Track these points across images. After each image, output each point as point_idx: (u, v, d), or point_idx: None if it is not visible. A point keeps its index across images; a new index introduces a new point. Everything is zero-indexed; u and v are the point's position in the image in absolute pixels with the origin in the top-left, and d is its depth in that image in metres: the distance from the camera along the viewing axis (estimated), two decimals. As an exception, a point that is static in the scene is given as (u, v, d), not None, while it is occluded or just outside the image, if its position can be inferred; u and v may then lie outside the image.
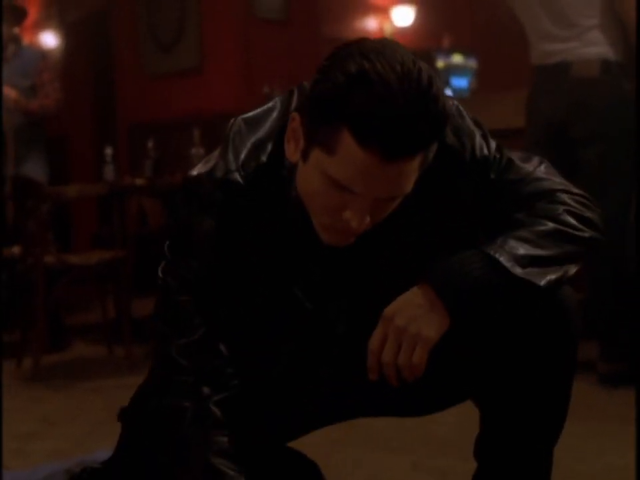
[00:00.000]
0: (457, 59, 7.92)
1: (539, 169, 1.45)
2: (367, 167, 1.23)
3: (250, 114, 1.45)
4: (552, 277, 1.36)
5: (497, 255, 1.33)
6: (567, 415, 1.48)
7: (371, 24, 8.03)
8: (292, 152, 1.35)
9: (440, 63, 7.81)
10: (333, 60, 1.27)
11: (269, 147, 1.40)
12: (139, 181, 4.60)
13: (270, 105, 1.46)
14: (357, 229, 1.29)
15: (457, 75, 7.77)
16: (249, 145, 1.40)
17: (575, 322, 1.43)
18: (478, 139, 1.44)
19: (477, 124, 1.46)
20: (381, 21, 8.11)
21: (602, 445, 2.61)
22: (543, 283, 1.35)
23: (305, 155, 1.31)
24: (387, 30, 8.09)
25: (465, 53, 7.85)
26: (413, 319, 1.33)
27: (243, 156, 1.39)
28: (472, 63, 7.78)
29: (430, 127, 1.24)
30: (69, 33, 7.37)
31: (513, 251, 1.34)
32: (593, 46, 3.23)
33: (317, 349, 1.53)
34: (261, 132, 1.41)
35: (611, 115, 3.23)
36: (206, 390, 1.38)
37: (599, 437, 2.68)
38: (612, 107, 3.24)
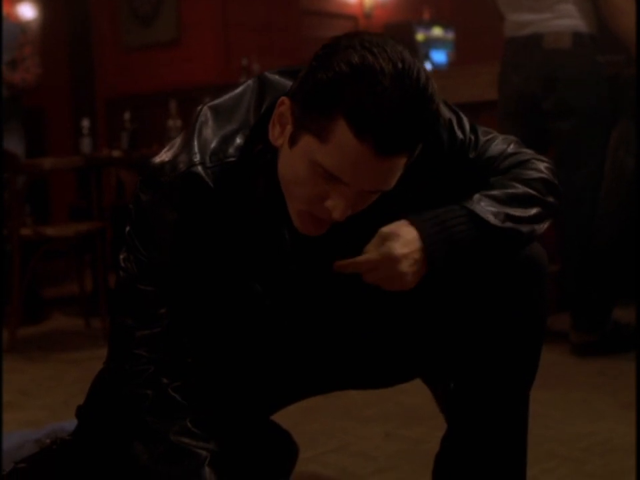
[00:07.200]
0: (437, 31, 7.89)
1: (510, 146, 1.51)
2: (359, 159, 1.24)
3: (217, 101, 1.44)
4: (524, 229, 1.42)
5: (475, 209, 1.39)
6: (537, 371, 1.51)
7: (351, -3, 7.99)
8: (276, 136, 1.35)
9: (420, 36, 7.78)
10: (333, 49, 1.27)
11: (238, 140, 1.39)
12: (116, 153, 4.60)
13: (238, 91, 1.44)
14: (337, 219, 1.31)
15: (437, 48, 7.75)
16: (218, 136, 1.39)
17: (544, 271, 1.48)
18: (455, 125, 1.47)
19: (451, 109, 1.49)
20: (361, -6, 8.06)
21: (569, 412, 2.63)
22: (524, 230, 1.42)
23: (292, 141, 1.31)
24: (367, 3, 8.05)
25: (445, 25, 7.81)
26: (405, 256, 1.36)
27: (210, 148, 1.38)
28: (451, 36, 7.76)
29: (424, 126, 1.27)
30: (46, 4, 7.31)
31: (488, 207, 1.40)
32: (565, 18, 3.23)
33: (279, 336, 1.55)
34: (232, 124, 1.40)
35: (583, 87, 3.24)
36: (165, 380, 1.39)
37: (567, 404, 2.70)
38: (584, 79, 3.25)
